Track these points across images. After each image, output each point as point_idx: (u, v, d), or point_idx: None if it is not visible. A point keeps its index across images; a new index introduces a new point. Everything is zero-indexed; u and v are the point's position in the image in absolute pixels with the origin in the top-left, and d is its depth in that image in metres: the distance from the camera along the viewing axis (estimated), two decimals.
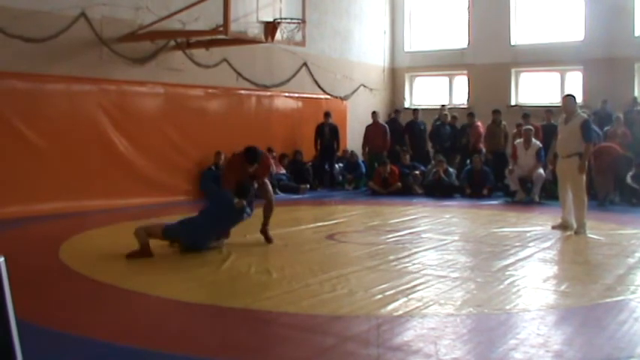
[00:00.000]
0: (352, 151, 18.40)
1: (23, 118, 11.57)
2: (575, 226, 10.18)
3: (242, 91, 16.20)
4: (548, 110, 16.95)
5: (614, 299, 6.20)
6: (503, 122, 16.77)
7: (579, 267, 7.64)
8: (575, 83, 19.17)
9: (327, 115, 17.46)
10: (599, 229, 10.67)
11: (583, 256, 8.31)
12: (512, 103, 19.61)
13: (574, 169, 10.01)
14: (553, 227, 10.34)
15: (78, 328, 5.27)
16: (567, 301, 6.19)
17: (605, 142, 14.69)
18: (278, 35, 13.56)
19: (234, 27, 12.63)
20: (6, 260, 1.73)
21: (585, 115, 10.47)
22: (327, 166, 17.53)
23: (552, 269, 7.67)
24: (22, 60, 11.65)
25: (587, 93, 18.56)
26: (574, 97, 10.38)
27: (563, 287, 6.71)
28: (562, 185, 10.42)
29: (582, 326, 5.35)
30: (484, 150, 16.81)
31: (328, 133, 17.38)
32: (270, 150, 16.35)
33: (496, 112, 16.82)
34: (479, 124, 17.23)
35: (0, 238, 9.19)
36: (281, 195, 15.34)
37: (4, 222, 10.35)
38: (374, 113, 18.26)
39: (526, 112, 16.75)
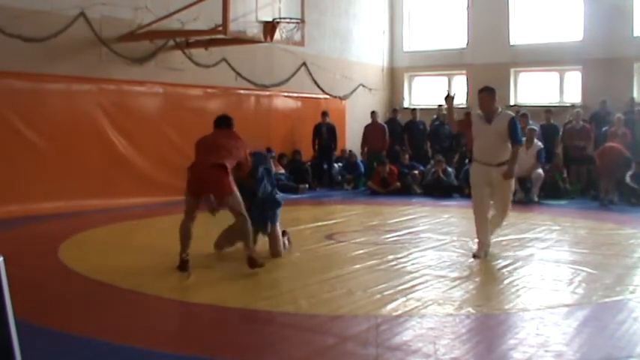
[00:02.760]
0: (351, 151, 18.41)
1: (22, 117, 11.56)
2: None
3: (241, 91, 16.19)
4: (548, 110, 16.97)
5: (614, 299, 6.21)
6: None
7: (578, 267, 7.63)
8: (574, 83, 19.19)
9: (324, 114, 17.47)
10: (598, 229, 10.69)
11: (582, 256, 8.30)
12: (512, 103, 19.59)
13: (503, 179, 8.12)
14: (475, 256, 8.15)
15: (77, 328, 5.27)
16: (566, 301, 6.19)
17: (609, 143, 14.68)
18: (277, 35, 13.57)
19: (233, 27, 12.64)
20: (5, 260, 1.72)
21: (511, 113, 8.81)
22: (325, 166, 17.53)
23: (551, 269, 7.66)
24: (22, 59, 11.64)
25: (586, 93, 18.56)
26: (494, 90, 8.53)
27: (562, 287, 6.71)
28: (481, 200, 8.36)
29: (581, 326, 5.35)
30: None
31: (326, 133, 17.39)
32: (269, 150, 16.36)
33: None
34: None
35: None
36: (280, 195, 15.32)
37: (3, 222, 10.34)
38: (373, 113, 18.26)
39: (523, 112, 16.74)
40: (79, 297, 6.42)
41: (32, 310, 5.41)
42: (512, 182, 8.38)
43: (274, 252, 8.12)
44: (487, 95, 8.39)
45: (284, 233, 8.56)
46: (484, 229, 8.28)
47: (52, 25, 11.97)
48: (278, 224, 8.28)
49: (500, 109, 8.46)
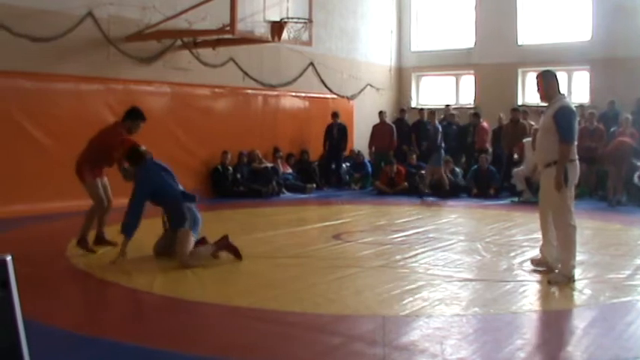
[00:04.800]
0: (358, 151, 18.40)
1: (30, 117, 11.60)
2: (555, 265, 7.13)
3: (249, 91, 16.21)
4: None
5: (621, 300, 6.19)
6: (522, 121, 16.37)
7: (586, 268, 7.61)
8: (581, 83, 19.14)
9: (335, 115, 17.48)
10: (606, 230, 10.67)
11: (589, 257, 8.27)
12: (519, 102, 19.56)
13: (551, 184, 6.80)
14: (532, 261, 7.54)
15: (84, 327, 5.29)
16: (574, 302, 6.18)
17: (619, 138, 14.58)
18: (285, 35, 13.58)
19: (240, 26, 12.66)
20: (13, 259, 1.73)
21: (566, 101, 7.03)
22: (333, 166, 17.54)
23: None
24: (29, 59, 11.67)
25: (594, 93, 18.51)
26: (549, 73, 7.24)
27: (570, 288, 6.68)
28: (542, 205, 7.32)
29: (589, 327, 5.34)
30: (490, 150, 16.76)
31: (337, 134, 17.40)
32: (276, 150, 16.38)
33: (515, 110, 16.52)
34: (484, 124, 17.21)
35: (7, 237, 9.23)
36: (287, 194, 15.38)
37: (12, 221, 10.37)
38: (381, 113, 18.25)
39: (515, 107, 16.74)
40: (87, 296, 6.44)
41: (40, 309, 5.42)
42: (562, 191, 6.77)
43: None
44: (539, 80, 7.19)
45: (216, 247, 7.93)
46: (543, 241, 7.30)
47: (60, 24, 12.01)
48: (190, 233, 7.74)
49: (558, 96, 7.03)
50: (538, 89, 7.19)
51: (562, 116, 6.77)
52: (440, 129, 15.76)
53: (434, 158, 15.57)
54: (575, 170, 6.91)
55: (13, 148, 11.30)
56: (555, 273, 6.93)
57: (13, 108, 11.39)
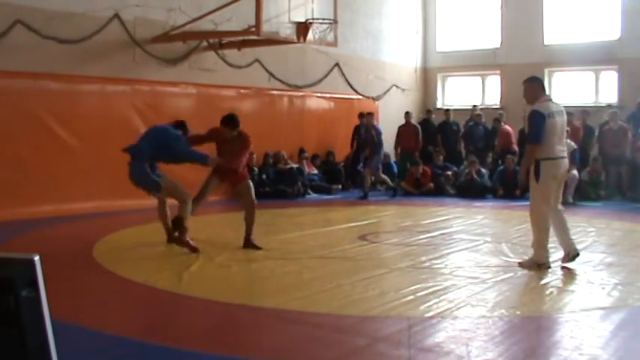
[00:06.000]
0: (384, 152, 18.35)
1: (57, 118, 11.71)
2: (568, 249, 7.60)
3: (274, 92, 16.23)
4: (585, 111, 16.71)
5: None
6: None
7: (615, 269, 7.54)
8: (610, 83, 18.95)
9: (361, 116, 17.44)
10: (635, 232, 10.56)
11: (618, 259, 8.20)
12: None
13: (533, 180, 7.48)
14: (562, 260, 7.71)
15: (111, 327, 5.32)
16: (601, 304, 6.11)
17: None
18: (310, 36, 13.58)
19: (266, 27, 12.68)
20: (41, 259, 1.74)
21: (537, 105, 7.46)
22: (360, 167, 17.51)
23: (586, 271, 7.58)
24: (57, 61, 11.78)
25: (623, 93, 18.32)
26: (532, 79, 7.83)
27: (597, 290, 6.63)
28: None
29: (617, 329, 5.28)
30: (517, 151, 16.67)
31: (364, 134, 17.36)
32: (302, 150, 16.39)
33: None
34: (507, 127, 17.10)
35: (35, 237, 9.31)
36: (313, 195, 15.38)
37: (39, 221, 10.47)
38: (407, 114, 18.20)
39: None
40: (114, 296, 6.47)
41: (67, 309, 5.46)
42: (534, 186, 7.52)
43: None
44: (524, 85, 7.71)
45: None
46: (556, 235, 7.72)
47: (87, 26, 12.11)
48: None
49: (539, 100, 7.49)
50: (524, 95, 7.72)
51: (529, 119, 7.46)
52: (380, 131, 15.71)
53: (371, 160, 15.58)
54: (550, 168, 7.39)
55: (40, 148, 11.41)
56: (526, 259, 7.56)
57: (41, 109, 11.49)
